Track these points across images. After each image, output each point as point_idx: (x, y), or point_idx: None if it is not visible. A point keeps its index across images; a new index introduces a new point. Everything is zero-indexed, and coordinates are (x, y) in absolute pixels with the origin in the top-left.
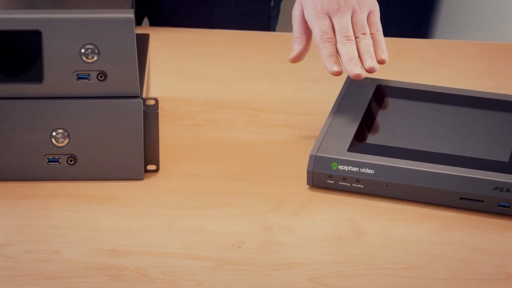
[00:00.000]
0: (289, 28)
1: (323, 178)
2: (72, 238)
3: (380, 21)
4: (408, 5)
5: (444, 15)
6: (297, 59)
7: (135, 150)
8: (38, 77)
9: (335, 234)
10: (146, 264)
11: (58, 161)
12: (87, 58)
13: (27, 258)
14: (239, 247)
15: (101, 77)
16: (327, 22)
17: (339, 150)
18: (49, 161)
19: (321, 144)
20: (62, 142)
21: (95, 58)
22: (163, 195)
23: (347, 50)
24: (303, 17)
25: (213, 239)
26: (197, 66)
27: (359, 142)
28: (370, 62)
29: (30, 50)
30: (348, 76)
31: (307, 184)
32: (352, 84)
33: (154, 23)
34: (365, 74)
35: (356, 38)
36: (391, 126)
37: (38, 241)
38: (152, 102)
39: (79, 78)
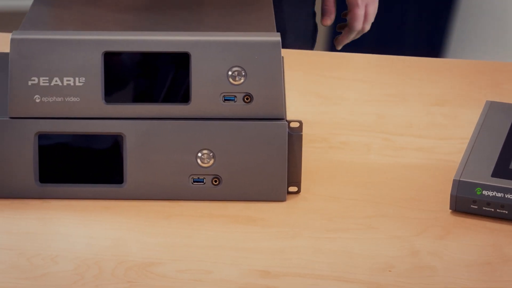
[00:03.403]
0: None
1: (466, 203)
2: (223, 258)
3: (396, 41)
4: (422, 26)
5: (456, 36)
6: None
7: (279, 172)
8: (185, 98)
9: (483, 259)
10: (299, 285)
11: (202, 182)
12: (234, 80)
13: (180, 277)
14: (389, 270)
15: (247, 99)
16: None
17: (483, 175)
18: (194, 181)
19: (464, 168)
20: (208, 162)
21: (242, 80)
22: (307, 217)
23: None
24: None
25: (362, 262)
26: (323, 88)
27: (502, 167)
28: None
29: (178, 72)
30: (487, 101)
31: (450, 208)
32: (492, 109)
33: None
34: None
35: None
36: None
37: (189, 260)
38: (296, 124)
39: (225, 99)
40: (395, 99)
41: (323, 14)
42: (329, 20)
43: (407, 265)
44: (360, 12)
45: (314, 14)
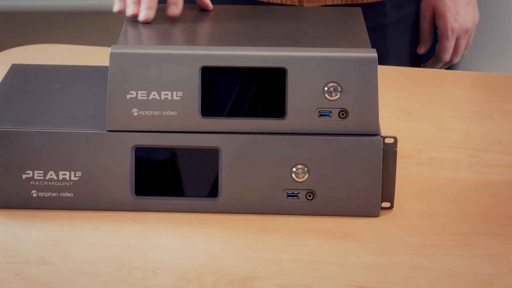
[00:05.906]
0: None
1: None
2: (321, 273)
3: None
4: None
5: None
6: None
7: (373, 187)
8: (281, 113)
9: None
10: None
11: (297, 196)
12: (330, 95)
13: None
14: None
15: (342, 114)
16: None
17: None
18: (288, 196)
19: None
20: (302, 177)
21: (338, 96)
22: (401, 233)
23: None
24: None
25: (461, 279)
26: (408, 104)
27: None
28: None
29: (274, 86)
30: None
31: None
32: None
33: None
34: None
35: None
36: None
37: (288, 275)
38: (391, 140)
39: (321, 115)
40: (480, 116)
41: (419, 42)
42: (423, 48)
43: (506, 282)
44: (449, 44)
45: (417, 43)
